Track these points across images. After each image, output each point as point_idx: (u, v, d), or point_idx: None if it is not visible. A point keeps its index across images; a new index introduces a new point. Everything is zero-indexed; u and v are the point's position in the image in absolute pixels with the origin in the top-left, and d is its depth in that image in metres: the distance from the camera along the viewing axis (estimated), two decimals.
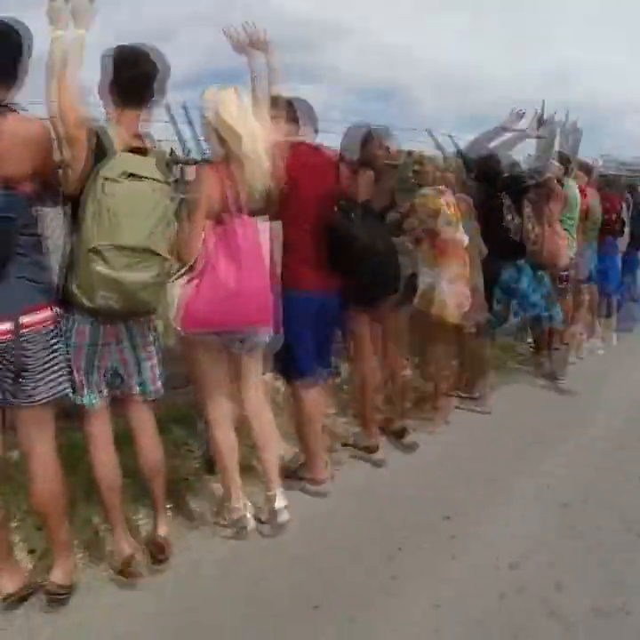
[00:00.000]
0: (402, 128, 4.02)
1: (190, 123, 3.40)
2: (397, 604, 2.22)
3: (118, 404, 2.25)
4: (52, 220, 2.02)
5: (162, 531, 2.41)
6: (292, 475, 2.99)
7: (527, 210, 4.23)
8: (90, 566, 2.35)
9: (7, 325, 1.85)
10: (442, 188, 3.57)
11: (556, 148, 4.50)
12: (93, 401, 2.14)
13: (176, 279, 2.22)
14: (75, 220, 1.99)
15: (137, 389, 2.22)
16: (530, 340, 5.45)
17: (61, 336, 2.02)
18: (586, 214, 4.96)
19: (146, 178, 1.97)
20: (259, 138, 2.28)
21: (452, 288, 3.51)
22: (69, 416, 2.20)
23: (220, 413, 2.52)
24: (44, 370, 1.96)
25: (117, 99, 2.07)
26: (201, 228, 2.28)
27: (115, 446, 2.24)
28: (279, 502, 2.58)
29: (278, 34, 2.50)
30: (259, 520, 2.64)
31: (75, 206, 1.99)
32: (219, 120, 2.25)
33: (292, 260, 2.67)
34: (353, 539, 2.61)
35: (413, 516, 2.79)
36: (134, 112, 2.09)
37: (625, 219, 5.54)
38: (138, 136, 2.08)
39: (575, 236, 4.70)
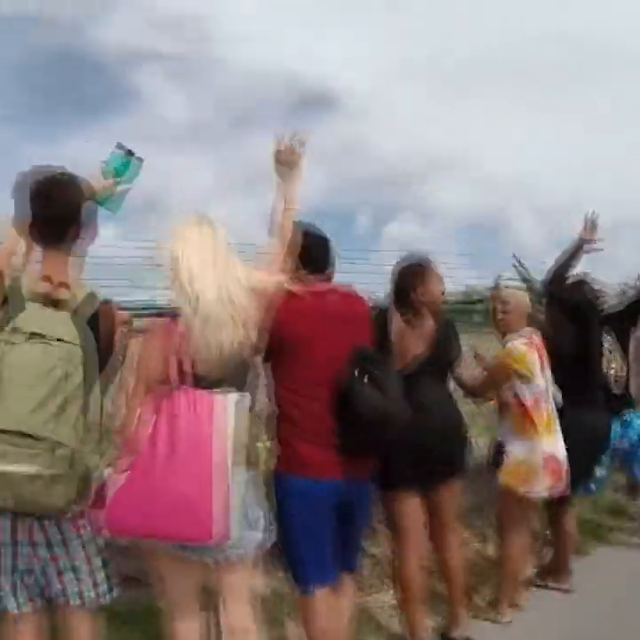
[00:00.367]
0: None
1: None
2: None
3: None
4: None
5: None
6: None
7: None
8: None
9: None
10: (531, 334, 2.88)
11: None
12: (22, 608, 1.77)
13: (107, 466, 1.80)
14: None
15: (68, 597, 1.79)
16: None
17: None
18: None
19: (43, 337, 1.62)
20: (234, 290, 1.80)
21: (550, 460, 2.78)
22: None
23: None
24: None
25: (37, 237, 1.79)
26: (137, 403, 1.83)
27: None
28: None
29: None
30: None
31: None
32: (174, 273, 1.78)
33: (293, 435, 2.04)
34: None
35: None
36: (57, 252, 1.78)
37: None
38: (62, 283, 1.73)
39: None
